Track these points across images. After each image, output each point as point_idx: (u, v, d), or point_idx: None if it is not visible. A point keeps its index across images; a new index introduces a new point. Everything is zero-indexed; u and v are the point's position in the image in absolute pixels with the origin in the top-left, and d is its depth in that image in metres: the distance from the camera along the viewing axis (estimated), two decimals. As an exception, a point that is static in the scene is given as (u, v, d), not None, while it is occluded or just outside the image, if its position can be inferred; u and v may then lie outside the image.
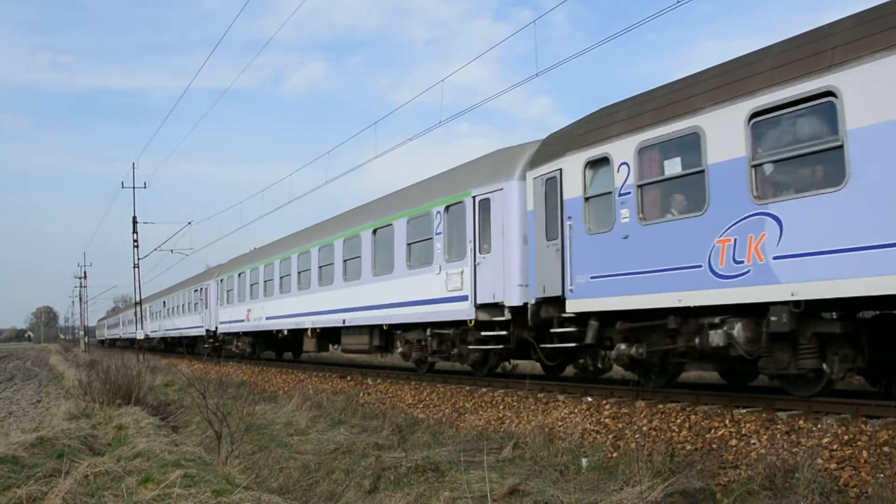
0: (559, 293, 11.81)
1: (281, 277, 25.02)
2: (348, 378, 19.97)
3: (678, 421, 9.66)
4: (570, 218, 11.62)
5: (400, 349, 17.39)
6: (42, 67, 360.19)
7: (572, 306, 11.54)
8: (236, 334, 31.33)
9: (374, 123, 22.44)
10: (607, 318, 11.12)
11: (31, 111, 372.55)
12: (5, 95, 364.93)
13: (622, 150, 10.59)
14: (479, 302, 13.88)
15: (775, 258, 8.49)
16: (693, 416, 9.64)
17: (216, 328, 33.36)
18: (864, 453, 7.41)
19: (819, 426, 8.19)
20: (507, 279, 13.31)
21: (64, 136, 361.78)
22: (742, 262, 8.85)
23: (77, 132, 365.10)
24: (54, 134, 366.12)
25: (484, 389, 14.21)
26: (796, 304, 8.33)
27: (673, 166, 9.91)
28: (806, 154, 8.45)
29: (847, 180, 7.84)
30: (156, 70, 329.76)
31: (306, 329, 22.80)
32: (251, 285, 28.39)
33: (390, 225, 17.63)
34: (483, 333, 14.01)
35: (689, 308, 9.60)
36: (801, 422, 8.46)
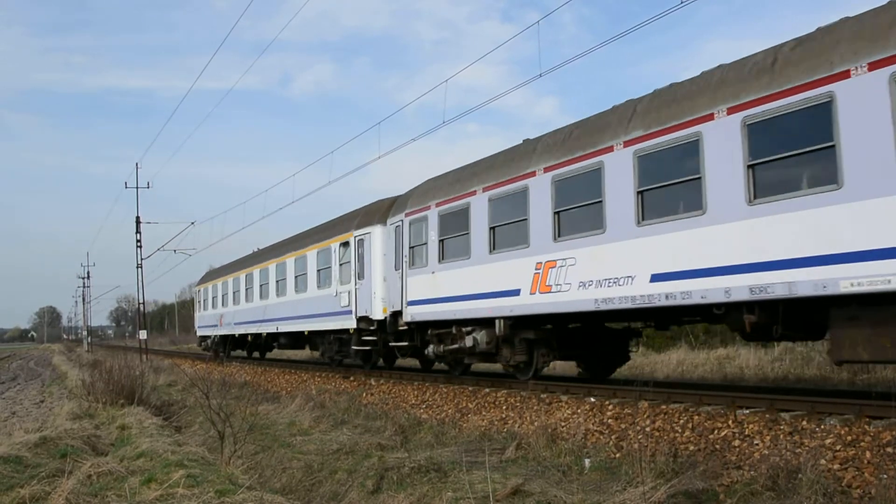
0: None
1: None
2: (351, 378, 19.96)
3: (681, 421, 9.65)
4: None
5: None
6: (54, 68, 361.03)
7: None
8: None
9: (377, 123, 22.02)
10: None
11: (41, 111, 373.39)
12: (17, 96, 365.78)
13: None
14: None
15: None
16: (696, 417, 9.63)
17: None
18: (868, 454, 7.40)
19: (822, 427, 8.18)
20: None
21: (72, 137, 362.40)
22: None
23: (85, 133, 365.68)
24: (62, 135, 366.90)
25: (487, 390, 14.20)
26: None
27: None
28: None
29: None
30: (165, 71, 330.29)
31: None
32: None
33: None
34: None
35: None
36: (804, 422, 8.44)
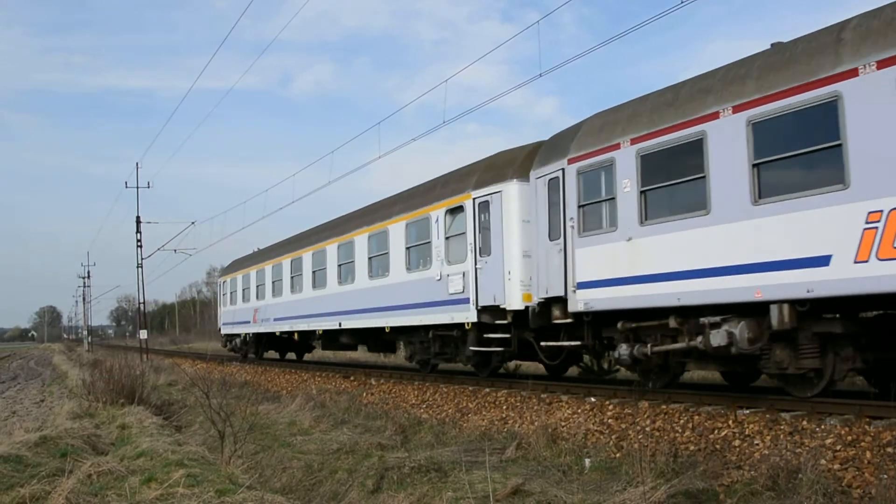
0: None
1: None
2: (351, 378, 19.98)
3: (681, 421, 9.65)
4: None
5: None
6: (54, 68, 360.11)
7: None
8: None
9: (377, 123, 21.83)
10: None
11: (41, 111, 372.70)
12: (17, 96, 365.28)
13: None
14: None
15: None
16: (696, 417, 9.63)
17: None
18: (868, 454, 7.40)
19: (822, 427, 8.19)
20: None
21: (72, 137, 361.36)
22: None
23: (85, 133, 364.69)
24: (62, 135, 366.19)
25: (487, 390, 14.21)
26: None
27: None
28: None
29: None
30: (165, 71, 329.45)
31: None
32: None
33: None
34: None
35: None
36: (804, 422, 8.45)
